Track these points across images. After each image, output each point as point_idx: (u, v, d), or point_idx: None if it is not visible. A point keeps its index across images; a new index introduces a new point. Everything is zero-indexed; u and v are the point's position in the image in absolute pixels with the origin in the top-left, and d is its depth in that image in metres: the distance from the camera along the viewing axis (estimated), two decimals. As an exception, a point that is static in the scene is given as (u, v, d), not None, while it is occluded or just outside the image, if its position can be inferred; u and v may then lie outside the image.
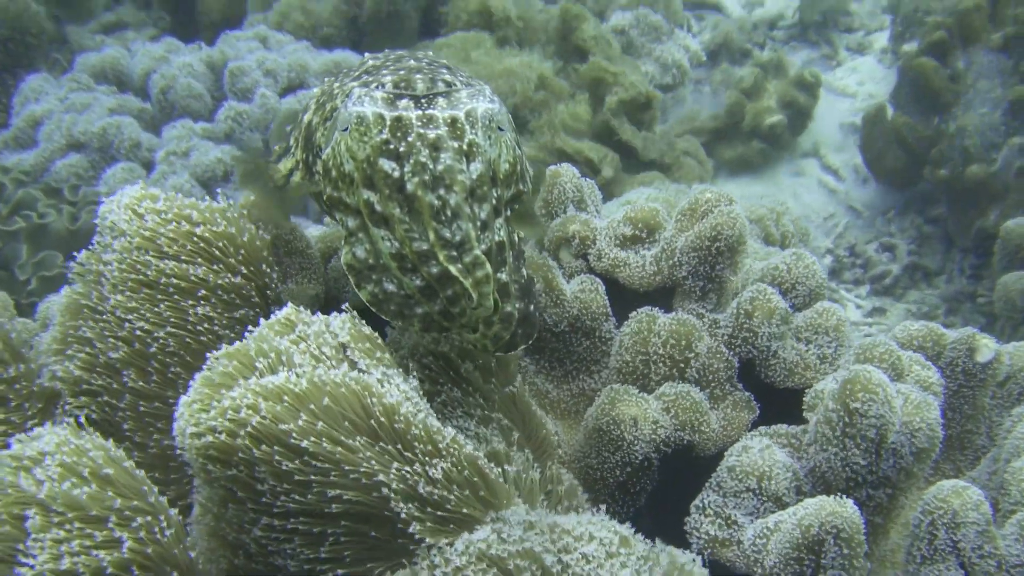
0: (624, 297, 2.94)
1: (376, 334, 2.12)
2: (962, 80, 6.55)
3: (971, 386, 2.81)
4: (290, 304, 2.11)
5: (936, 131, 6.58)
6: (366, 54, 2.59)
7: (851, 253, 6.84)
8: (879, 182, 7.13)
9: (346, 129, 2.02)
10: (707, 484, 2.55)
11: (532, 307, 2.16)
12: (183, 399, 1.89)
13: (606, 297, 2.86)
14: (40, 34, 7.12)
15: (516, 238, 2.19)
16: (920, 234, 6.86)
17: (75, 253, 2.47)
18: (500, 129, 2.07)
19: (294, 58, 6.31)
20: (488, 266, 1.92)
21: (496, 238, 2.01)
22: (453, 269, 1.90)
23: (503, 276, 2.01)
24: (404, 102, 2.01)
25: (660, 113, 7.04)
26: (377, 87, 2.05)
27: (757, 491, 2.47)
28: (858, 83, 8.21)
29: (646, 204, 3.00)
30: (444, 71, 2.20)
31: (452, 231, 1.92)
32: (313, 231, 2.97)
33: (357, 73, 2.38)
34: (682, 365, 2.71)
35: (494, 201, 2.04)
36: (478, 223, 1.96)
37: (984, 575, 2.33)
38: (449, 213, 1.92)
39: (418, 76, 2.10)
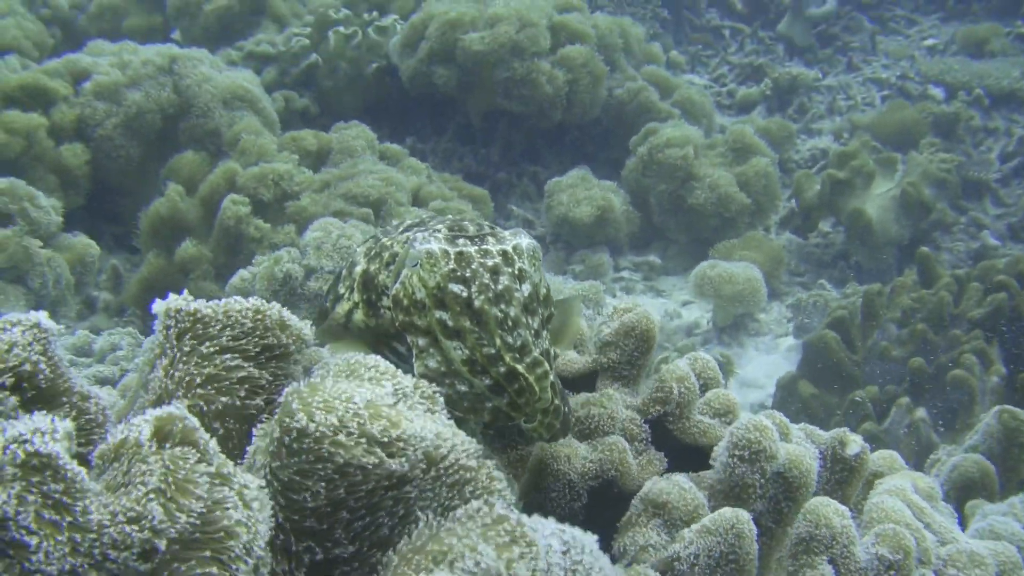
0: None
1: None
2: (860, 352, 7.44)
3: (843, 474, 3.30)
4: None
5: (840, 397, 7.38)
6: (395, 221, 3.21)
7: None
8: (788, 447, 7.78)
9: (415, 264, 2.42)
10: (627, 513, 3.01)
11: (566, 408, 2.62)
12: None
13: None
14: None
15: (553, 351, 2.62)
16: (827, 497, 7.44)
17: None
18: (538, 260, 2.58)
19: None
20: (547, 364, 2.37)
21: (545, 346, 2.48)
22: (520, 367, 2.31)
23: (552, 376, 2.39)
24: (462, 240, 2.46)
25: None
26: (435, 232, 2.51)
27: (665, 514, 2.95)
28: (766, 376, 9.06)
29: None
30: (477, 221, 2.74)
31: (514, 337, 2.33)
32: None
33: (401, 230, 2.94)
34: (605, 425, 3.24)
35: (541, 317, 2.52)
36: (532, 331, 2.38)
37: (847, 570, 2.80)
38: (510, 323, 2.34)
39: (466, 223, 2.62)
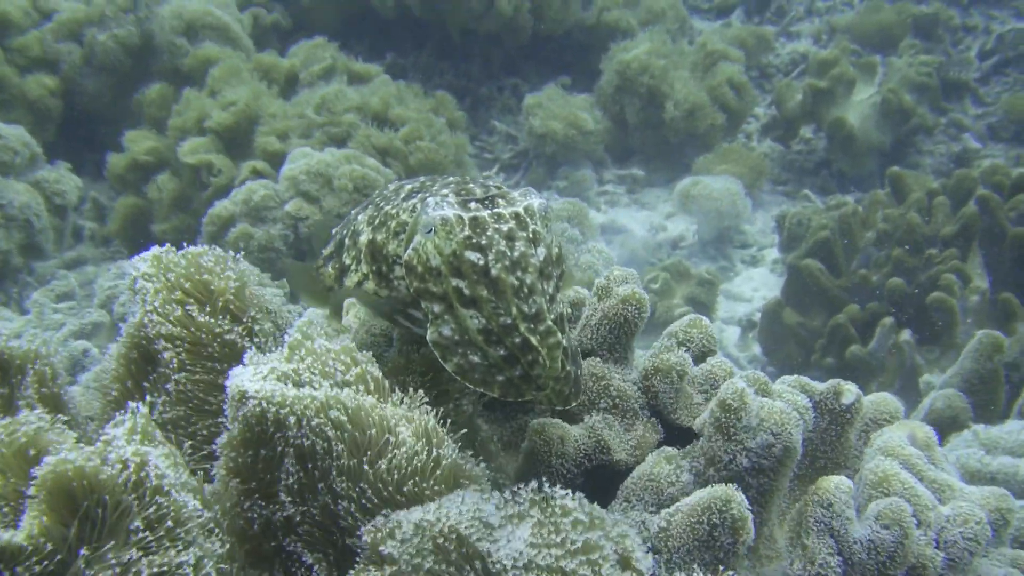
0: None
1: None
2: (845, 275, 7.50)
3: (838, 424, 3.35)
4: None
5: (822, 323, 7.46)
6: (392, 183, 3.11)
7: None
8: (774, 367, 7.88)
9: (429, 231, 2.38)
10: (618, 493, 3.07)
11: (578, 370, 2.52)
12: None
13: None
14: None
15: (566, 310, 2.65)
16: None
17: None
18: (550, 219, 2.54)
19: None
20: (559, 334, 2.29)
21: (559, 309, 2.45)
22: (533, 339, 2.26)
23: (564, 342, 2.35)
24: (474, 204, 2.41)
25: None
26: (445, 196, 2.46)
27: (656, 491, 3.00)
28: (753, 289, 9.17)
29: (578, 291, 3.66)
30: (479, 181, 2.69)
31: (529, 305, 2.28)
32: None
33: (403, 196, 2.83)
34: (597, 398, 3.28)
35: (555, 279, 2.45)
36: (547, 297, 2.34)
37: (849, 551, 2.87)
38: (526, 290, 2.29)
39: (471, 185, 2.58)
